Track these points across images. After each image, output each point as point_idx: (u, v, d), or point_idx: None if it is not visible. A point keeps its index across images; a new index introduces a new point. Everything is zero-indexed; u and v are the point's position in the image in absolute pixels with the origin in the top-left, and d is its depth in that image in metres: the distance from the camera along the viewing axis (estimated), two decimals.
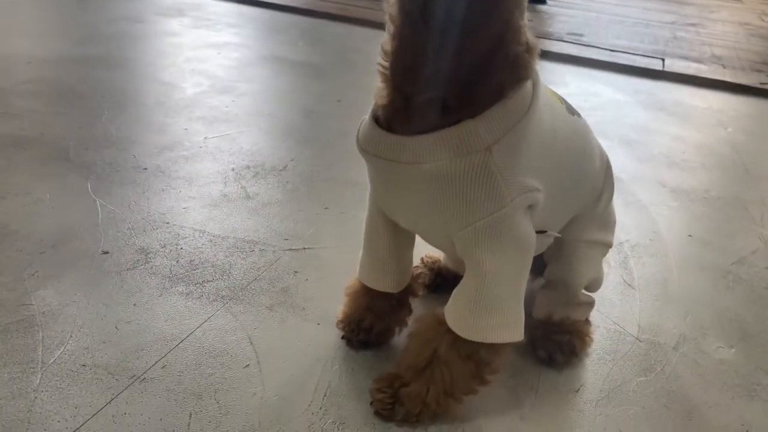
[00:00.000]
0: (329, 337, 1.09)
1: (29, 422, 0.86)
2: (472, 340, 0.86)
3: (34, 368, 0.95)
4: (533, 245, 0.85)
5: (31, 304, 1.09)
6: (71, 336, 1.02)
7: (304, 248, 1.34)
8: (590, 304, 1.14)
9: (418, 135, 0.76)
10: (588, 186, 1.00)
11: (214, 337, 1.06)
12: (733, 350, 1.17)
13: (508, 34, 0.72)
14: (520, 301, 0.87)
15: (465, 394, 0.91)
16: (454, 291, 0.88)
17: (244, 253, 1.30)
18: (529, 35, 0.77)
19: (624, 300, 1.29)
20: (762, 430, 0.99)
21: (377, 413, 0.93)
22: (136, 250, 1.27)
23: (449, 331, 0.87)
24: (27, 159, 1.61)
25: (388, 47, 0.75)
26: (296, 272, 1.26)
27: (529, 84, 0.78)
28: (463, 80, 0.73)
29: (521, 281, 0.86)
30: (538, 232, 0.88)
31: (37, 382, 0.92)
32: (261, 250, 1.32)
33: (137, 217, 1.39)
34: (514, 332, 0.86)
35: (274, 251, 1.32)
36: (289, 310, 1.14)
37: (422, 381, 0.89)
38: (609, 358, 1.12)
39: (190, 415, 0.90)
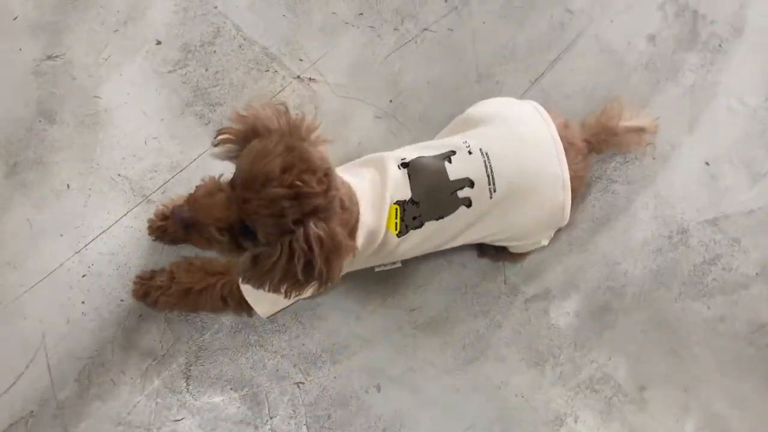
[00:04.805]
0: None
1: (84, 216, 1.47)
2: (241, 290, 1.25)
3: (92, 168, 1.50)
4: None
5: (100, 98, 1.54)
6: (118, 143, 1.51)
7: (310, 79, 1.56)
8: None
9: None
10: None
11: (202, 171, 1.48)
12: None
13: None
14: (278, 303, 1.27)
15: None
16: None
17: (259, 73, 1.56)
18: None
19: None
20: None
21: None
22: (180, 45, 1.57)
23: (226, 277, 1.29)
24: None
25: None
26: (295, 110, 1.52)
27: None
28: None
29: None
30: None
31: (92, 181, 1.49)
32: (274, 72, 1.56)
33: None
34: (262, 310, 1.29)
35: (284, 77, 1.55)
36: None
37: (182, 300, 1.32)
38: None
39: None
